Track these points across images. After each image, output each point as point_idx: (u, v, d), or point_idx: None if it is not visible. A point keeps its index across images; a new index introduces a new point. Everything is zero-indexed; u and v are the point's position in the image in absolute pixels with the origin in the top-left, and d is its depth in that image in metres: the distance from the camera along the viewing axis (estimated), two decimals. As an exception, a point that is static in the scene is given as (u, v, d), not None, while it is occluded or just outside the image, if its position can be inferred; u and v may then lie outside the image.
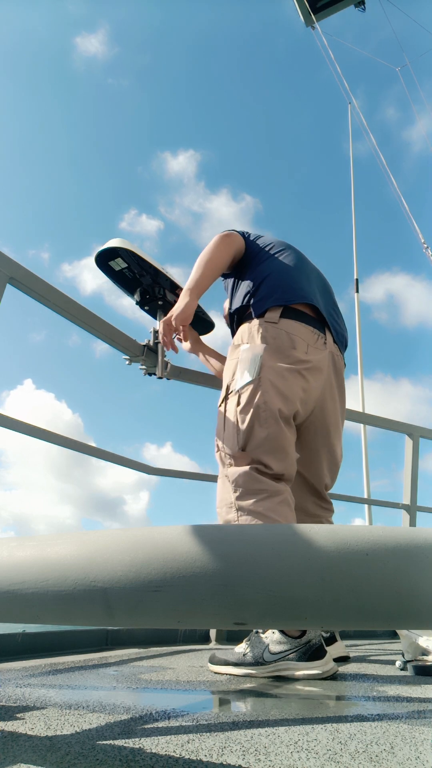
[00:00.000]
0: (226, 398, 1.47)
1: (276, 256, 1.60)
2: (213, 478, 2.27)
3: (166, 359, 1.91)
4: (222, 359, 1.98)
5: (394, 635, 2.55)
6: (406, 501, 2.71)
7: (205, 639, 2.15)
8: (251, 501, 1.31)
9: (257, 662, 1.26)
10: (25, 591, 0.55)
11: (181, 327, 1.49)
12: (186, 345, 1.97)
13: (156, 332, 1.92)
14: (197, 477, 2.32)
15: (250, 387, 1.40)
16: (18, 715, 0.78)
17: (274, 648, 1.26)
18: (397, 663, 1.40)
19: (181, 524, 0.56)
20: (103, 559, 0.54)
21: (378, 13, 7.30)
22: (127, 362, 1.90)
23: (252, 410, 1.38)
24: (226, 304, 1.94)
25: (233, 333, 1.61)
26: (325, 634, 1.47)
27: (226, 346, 2.11)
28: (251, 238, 1.66)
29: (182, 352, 2.05)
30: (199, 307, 1.97)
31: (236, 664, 1.28)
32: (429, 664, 1.32)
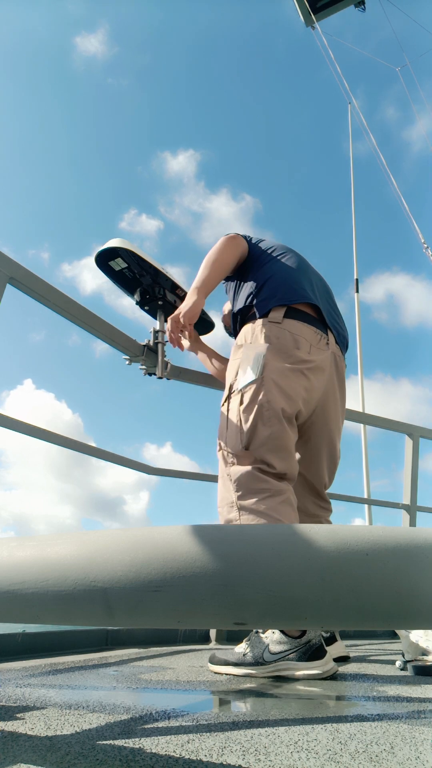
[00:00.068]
0: (228, 397, 1.47)
1: (278, 258, 1.62)
2: (213, 478, 2.27)
3: (166, 359, 1.91)
4: (220, 359, 1.98)
5: (394, 635, 2.55)
6: (406, 501, 2.71)
7: (205, 639, 2.15)
8: (253, 500, 1.32)
9: (257, 662, 1.26)
10: (25, 591, 0.55)
11: (188, 324, 1.50)
12: (186, 343, 1.98)
13: (156, 332, 1.92)
14: (197, 477, 2.32)
15: (254, 386, 1.41)
16: (18, 715, 0.78)
17: (274, 648, 1.26)
18: (397, 663, 1.40)
19: (181, 524, 0.56)
20: (103, 559, 0.54)
21: (378, 13, 7.30)
22: (127, 362, 1.90)
23: (255, 409, 1.39)
24: (226, 307, 1.95)
25: (235, 334, 1.62)
26: (325, 634, 1.47)
27: (225, 345, 2.11)
28: (253, 242, 1.69)
29: (182, 352, 2.05)
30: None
31: (236, 664, 1.28)
32: (429, 664, 1.32)
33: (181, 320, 1.48)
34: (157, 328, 1.92)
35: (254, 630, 1.33)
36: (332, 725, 0.73)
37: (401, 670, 1.38)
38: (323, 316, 1.55)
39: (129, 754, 0.59)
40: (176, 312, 1.49)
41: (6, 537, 0.64)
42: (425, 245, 4.91)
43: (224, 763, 0.56)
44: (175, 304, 1.91)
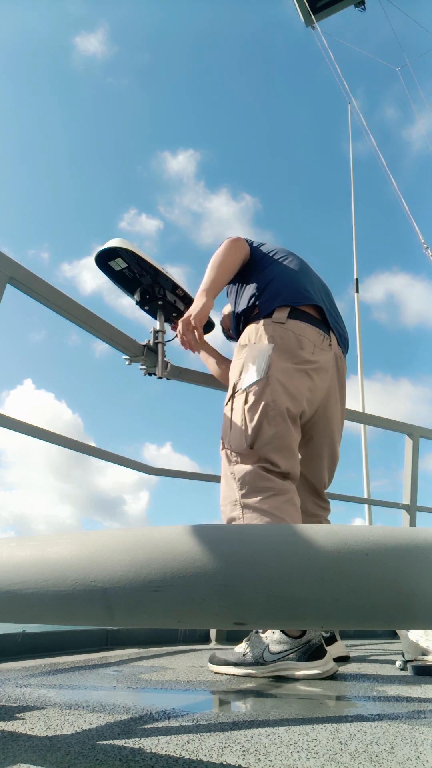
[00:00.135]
0: (232, 397, 1.48)
1: (280, 261, 1.64)
2: (213, 478, 2.27)
3: (166, 359, 1.92)
4: (222, 359, 1.98)
5: (394, 635, 2.55)
6: (406, 501, 2.71)
7: (205, 639, 2.15)
8: (257, 498, 1.32)
9: (257, 662, 1.26)
10: (25, 591, 0.55)
11: (199, 326, 1.52)
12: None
13: (156, 332, 1.92)
14: (197, 477, 2.32)
15: (259, 385, 1.42)
16: (18, 715, 0.78)
17: (274, 648, 1.26)
18: (397, 663, 1.40)
19: (181, 524, 0.56)
20: (103, 559, 0.54)
21: (378, 13, 7.29)
22: (127, 362, 1.90)
23: (260, 408, 1.40)
24: (226, 309, 1.95)
25: (237, 334, 1.63)
26: (325, 634, 1.47)
27: (226, 345, 2.11)
28: (254, 245, 1.71)
29: (182, 352, 2.05)
30: None
31: (236, 664, 1.28)
32: (429, 664, 1.32)
33: (192, 322, 1.49)
34: (157, 328, 1.92)
35: (254, 630, 1.33)
36: (332, 725, 0.73)
37: (401, 670, 1.38)
38: (326, 317, 1.57)
39: (129, 754, 0.59)
40: (186, 315, 1.51)
41: (6, 537, 0.64)
42: (425, 245, 4.91)
43: (224, 763, 0.56)
44: (175, 304, 1.91)
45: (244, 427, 1.40)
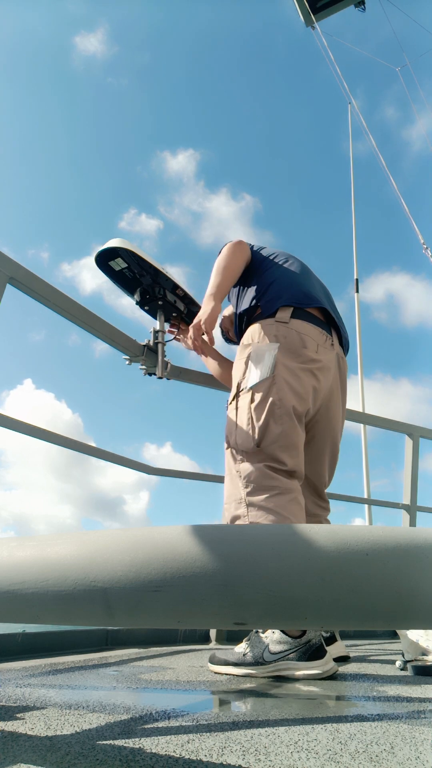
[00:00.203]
0: (237, 396, 1.49)
1: (280, 263, 1.66)
2: (213, 478, 2.27)
3: (166, 359, 1.92)
4: (221, 359, 1.99)
5: (394, 635, 2.55)
6: (406, 501, 2.71)
7: (205, 639, 2.15)
8: (263, 497, 1.33)
9: (257, 662, 1.26)
10: (25, 591, 0.55)
11: (209, 331, 1.53)
12: (189, 343, 1.99)
13: (156, 332, 1.92)
14: (197, 477, 2.32)
15: (265, 384, 1.42)
16: (18, 715, 0.78)
17: (274, 648, 1.26)
18: (397, 663, 1.40)
19: (181, 524, 0.56)
20: (103, 559, 0.54)
21: (378, 13, 7.29)
22: (127, 362, 1.90)
23: (267, 407, 1.40)
24: (226, 311, 1.96)
25: (240, 335, 1.64)
26: (325, 634, 1.47)
27: (224, 346, 2.11)
28: (254, 249, 1.72)
29: (182, 352, 2.05)
30: (200, 307, 1.98)
31: (236, 664, 1.28)
32: (429, 664, 1.32)
33: (203, 327, 1.50)
34: (157, 328, 1.92)
35: (254, 630, 1.33)
36: (332, 725, 0.73)
37: (401, 670, 1.38)
38: (328, 317, 1.58)
39: (129, 754, 0.59)
40: (196, 320, 1.51)
41: (6, 537, 0.64)
42: (425, 245, 4.91)
43: (224, 763, 0.56)
44: (175, 304, 1.91)
45: (250, 426, 1.41)
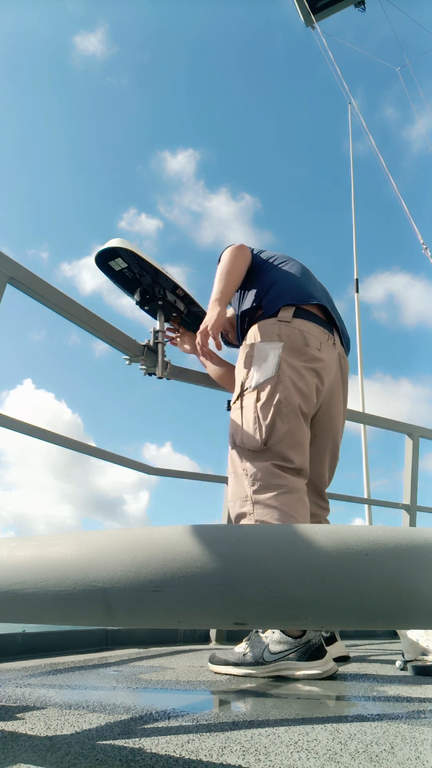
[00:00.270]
0: (241, 395, 1.49)
1: (281, 266, 1.66)
2: (213, 478, 2.27)
3: (166, 359, 1.92)
4: (222, 362, 1.99)
5: (394, 635, 2.55)
6: (406, 501, 2.71)
7: (205, 639, 2.15)
8: (269, 495, 1.33)
9: (257, 662, 1.26)
10: (25, 591, 0.55)
11: (216, 336, 1.53)
12: (187, 347, 2.00)
13: (156, 332, 1.92)
14: (197, 477, 2.32)
15: (271, 383, 1.43)
16: (18, 715, 0.78)
17: (274, 648, 1.26)
18: (397, 663, 1.40)
19: (181, 524, 0.56)
20: (103, 559, 0.54)
21: (378, 13, 7.29)
22: (127, 362, 1.90)
23: (274, 405, 1.41)
24: (228, 314, 1.96)
25: (241, 335, 1.64)
26: (325, 634, 1.47)
27: (223, 347, 2.10)
28: (254, 252, 1.73)
29: (182, 352, 2.05)
30: (200, 308, 1.98)
31: (236, 664, 1.28)
32: (429, 664, 1.32)
33: (210, 332, 1.51)
34: (157, 328, 1.92)
35: (254, 630, 1.33)
36: (332, 725, 0.73)
37: (401, 670, 1.38)
38: (329, 316, 1.58)
39: (129, 754, 0.59)
40: (203, 326, 1.52)
41: (6, 537, 0.64)
42: (424, 245, 4.91)
43: (224, 763, 0.56)
44: (175, 304, 1.91)
45: (257, 425, 1.42)
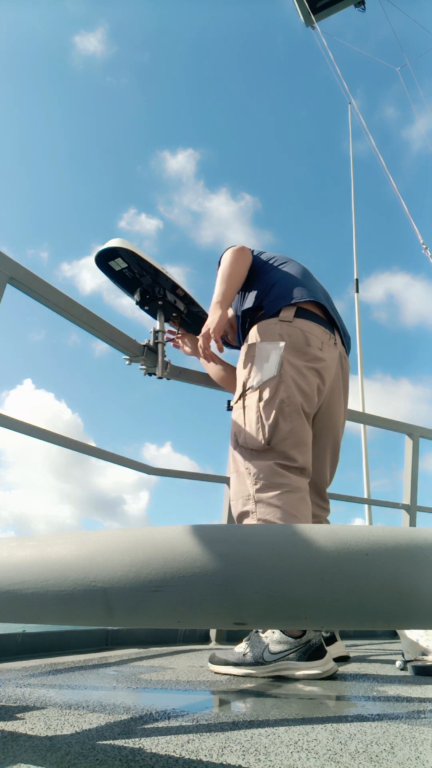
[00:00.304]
0: (243, 395, 1.49)
1: (281, 267, 1.67)
2: (213, 478, 2.27)
3: (166, 359, 1.92)
4: (223, 363, 1.99)
5: (394, 635, 2.55)
6: (406, 501, 2.71)
7: (205, 639, 2.15)
8: (272, 494, 1.34)
9: (257, 662, 1.26)
10: (25, 591, 0.55)
11: (218, 339, 1.53)
12: (188, 349, 2.00)
13: (156, 332, 1.92)
14: (197, 477, 2.32)
15: (273, 382, 1.43)
16: (18, 715, 0.78)
17: (274, 648, 1.26)
18: (397, 663, 1.40)
19: (181, 524, 0.56)
20: (103, 559, 0.54)
21: (378, 12, 7.29)
22: (127, 362, 1.90)
23: (276, 405, 1.42)
24: (228, 314, 1.96)
25: (243, 335, 1.64)
26: (325, 634, 1.47)
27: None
28: (255, 253, 1.73)
29: (182, 352, 2.05)
30: (200, 308, 1.98)
31: (236, 664, 1.28)
32: (429, 664, 1.32)
33: (212, 335, 1.51)
34: (157, 328, 1.92)
35: (254, 630, 1.33)
36: (332, 725, 0.73)
37: (401, 670, 1.38)
38: (330, 317, 1.59)
39: (129, 754, 0.59)
40: (205, 329, 1.52)
41: (6, 537, 0.64)
42: (424, 246, 4.91)
43: (224, 763, 0.56)
44: (175, 304, 1.91)
45: (259, 424, 1.42)
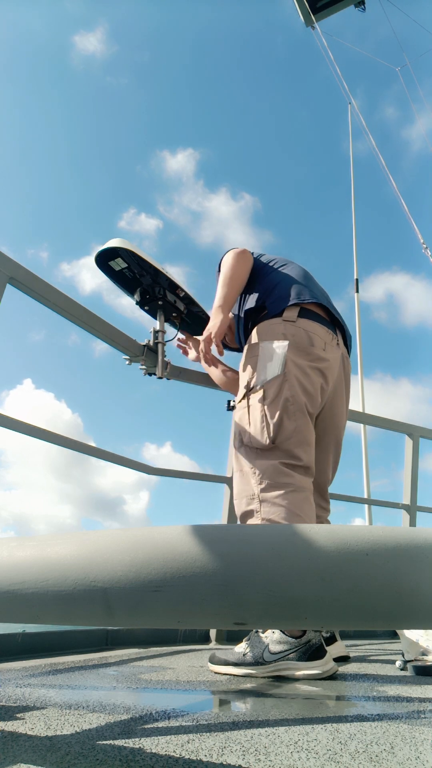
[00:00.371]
0: (247, 394, 1.49)
1: (281, 268, 1.67)
2: (213, 478, 2.27)
3: (166, 359, 1.92)
4: (224, 367, 1.99)
5: (394, 635, 2.55)
6: (406, 501, 2.71)
7: (205, 639, 2.15)
8: (276, 493, 1.34)
9: (257, 662, 1.26)
10: (25, 591, 0.55)
11: (219, 343, 1.54)
12: (192, 354, 2.00)
13: (156, 332, 1.92)
14: (197, 477, 2.32)
15: (277, 382, 1.44)
16: (18, 715, 0.78)
17: (274, 648, 1.26)
18: (397, 663, 1.40)
19: (181, 524, 0.56)
20: (103, 559, 0.54)
21: (378, 13, 7.29)
22: (127, 362, 1.90)
23: (281, 404, 1.42)
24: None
25: (244, 336, 1.64)
26: (325, 634, 1.47)
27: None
28: (255, 256, 1.74)
29: (182, 352, 2.05)
30: (200, 308, 1.98)
31: (236, 664, 1.28)
32: (429, 664, 1.32)
33: (213, 339, 1.51)
34: (157, 328, 1.92)
35: (254, 630, 1.33)
36: (332, 725, 0.73)
37: (401, 670, 1.38)
38: (332, 317, 1.59)
39: (129, 754, 0.59)
40: (206, 333, 1.52)
41: (6, 537, 0.64)
42: (424, 245, 4.92)
43: (224, 763, 0.56)
44: (175, 304, 1.91)
45: (264, 424, 1.42)
